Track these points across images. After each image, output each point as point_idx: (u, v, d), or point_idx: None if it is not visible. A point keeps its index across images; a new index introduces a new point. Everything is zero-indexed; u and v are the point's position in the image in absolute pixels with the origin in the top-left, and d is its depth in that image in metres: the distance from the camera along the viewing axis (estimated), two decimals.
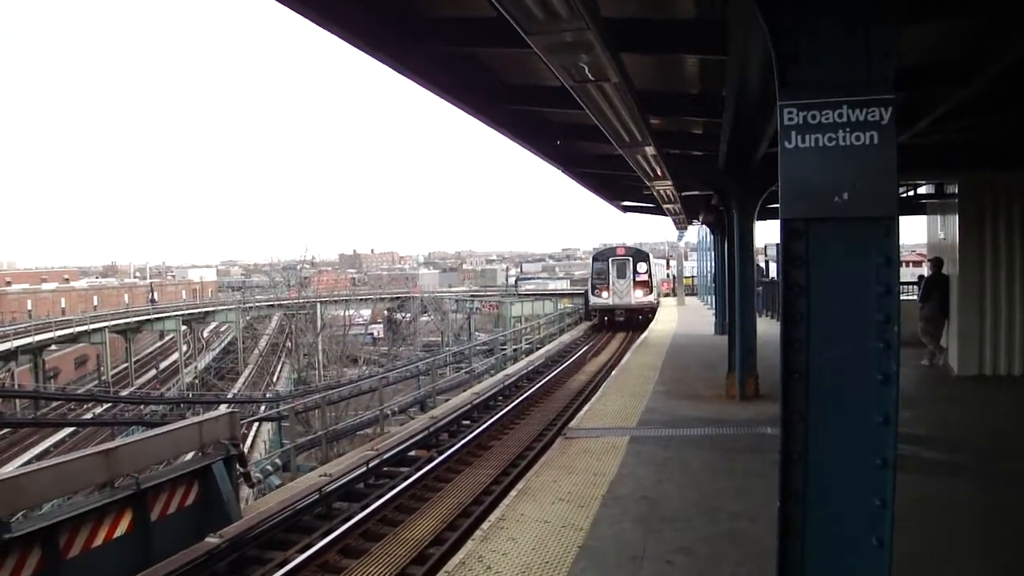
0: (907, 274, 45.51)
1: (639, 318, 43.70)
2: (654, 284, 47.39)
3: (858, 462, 4.31)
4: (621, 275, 46.01)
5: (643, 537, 8.39)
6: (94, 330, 64.57)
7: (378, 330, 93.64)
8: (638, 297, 45.77)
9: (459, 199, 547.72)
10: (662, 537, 8.36)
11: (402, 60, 9.54)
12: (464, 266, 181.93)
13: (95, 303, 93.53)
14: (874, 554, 4.29)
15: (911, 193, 23.80)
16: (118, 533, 10.62)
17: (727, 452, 11.81)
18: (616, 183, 24.39)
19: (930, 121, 11.26)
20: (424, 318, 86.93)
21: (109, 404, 47.39)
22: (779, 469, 4.50)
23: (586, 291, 49.96)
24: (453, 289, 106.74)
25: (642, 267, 46.36)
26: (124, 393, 56.10)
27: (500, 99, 13.12)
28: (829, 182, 4.28)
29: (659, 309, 45.11)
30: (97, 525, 10.35)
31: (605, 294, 46.10)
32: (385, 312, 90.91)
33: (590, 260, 51.67)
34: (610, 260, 46.72)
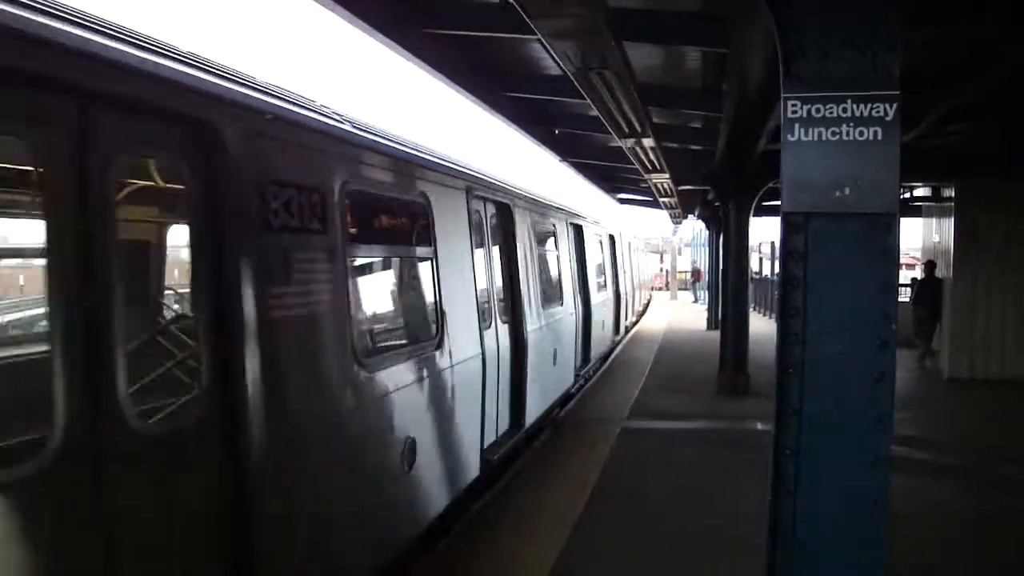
0: (901, 276, 45.61)
1: None
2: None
3: (852, 459, 4.28)
4: None
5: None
6: None
7: None
8: None
9: None
10: (650, 525, 8.31)
11: (408, 45, 9.55)
12: None
13: None
14: (867, 553, 4.27)
15: (907, 195, 23.83)
16: None
17: (717, 446, 11.80)
18: (613, 175, 24.37)
19: (930, 123, 11.24)
20: None
21: None
22: (771, 464, 4.47)
23: None
24: None
25: None
26: None
27: (500, 86, 13.10)
28: (831, 177, 4.25)
29: (651, 303, 43.08)
30: None
31: None
32: None
33: None
34: None
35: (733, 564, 7.15)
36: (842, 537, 4.32)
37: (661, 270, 63.99)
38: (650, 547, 7.75)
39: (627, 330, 27.30)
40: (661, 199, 26.21)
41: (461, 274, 8.51)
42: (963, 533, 8.28)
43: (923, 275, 19.51)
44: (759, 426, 12.47)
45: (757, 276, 35.50)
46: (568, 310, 14.50)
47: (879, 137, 4.21)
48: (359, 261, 6.31)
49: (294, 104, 5.31)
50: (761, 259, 39.48)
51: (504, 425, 10.14)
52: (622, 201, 33.05)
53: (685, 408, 14.64)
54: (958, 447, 11.75)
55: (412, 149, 7.40)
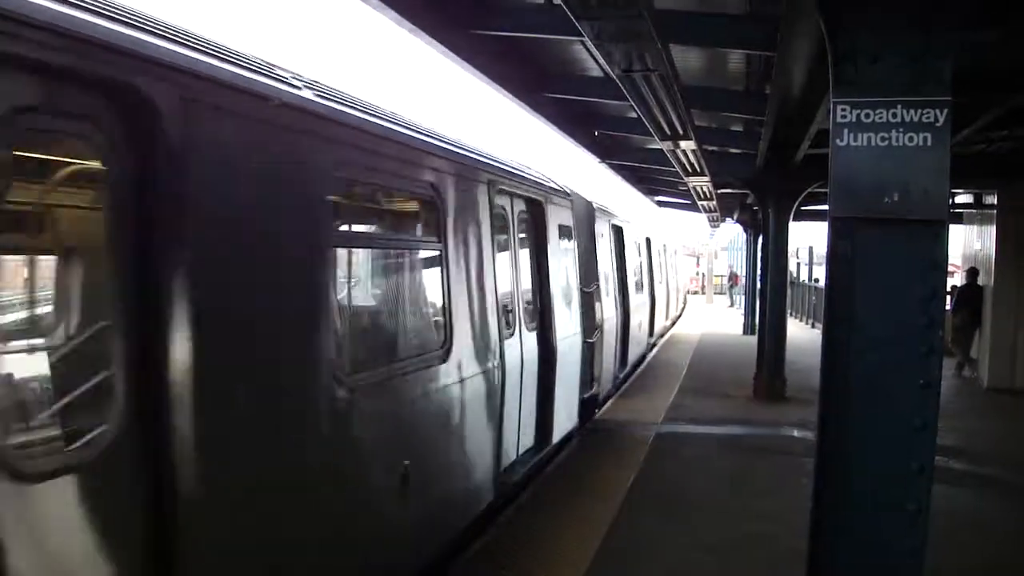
0: None
1: None
2: None
3: (895, 467, 4.24)
4: None
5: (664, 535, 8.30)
6: None
7: None
8: None
9: None
10: (685, 533, 8.28)
11: (454, 46, 9.63)
12: None
13: None
14: (907, 561, 4.23)
15: (949, 202, 23.45)
16: None
17: (752, 452, 11.74)
18: (652, 177, 24.30)
19: (975, 129, 11.10)
20: None
21: None
22: (813, 471, 4.45)
23: None
24: None
25: None
26: None
27: (541, 87, 13.13)
28: (879, 182, 4.21)
29: (686, 307, 42.99)
30: None
31: None
32: None
33: None
34: None
35: None
36: (884, 544, 4.28)
37: (697, 273, 63.82)
38: (685, 558, 7.74)
39: (674, 321, 33.05)
40: (700, 202, 26.07)
41: (604, 265, 14.61)
42: (1003, 544, 8.19)
43: (963, 282, 19.27)
44: (795, 433, 12.41)
45: (794, 281, 35.23)
46: (645, 297, 21.37)
47: (929, 143, 4.17)
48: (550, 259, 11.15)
49: (555, 184, 11.07)
50: (799, 264, 39.14)
51: (618, 362, 16.45)
52: (660, 204, 32.94)
53: (722, 413, 14.57)
54: (999, 458, 11.61)
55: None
